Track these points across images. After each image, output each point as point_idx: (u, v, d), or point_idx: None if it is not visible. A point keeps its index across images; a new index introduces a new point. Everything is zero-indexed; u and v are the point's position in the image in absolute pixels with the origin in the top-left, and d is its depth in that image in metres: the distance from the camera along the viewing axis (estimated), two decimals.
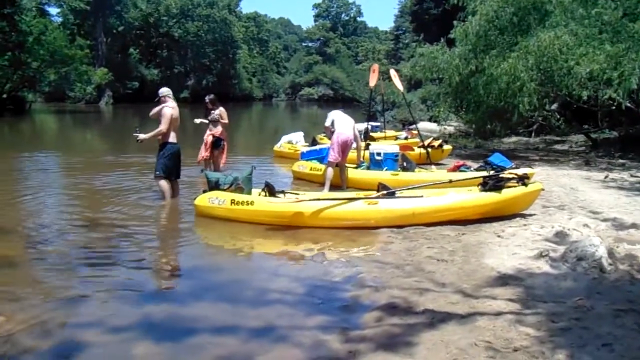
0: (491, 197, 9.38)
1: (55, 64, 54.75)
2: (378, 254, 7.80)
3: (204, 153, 14.45)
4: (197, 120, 14.92)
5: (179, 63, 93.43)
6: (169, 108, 11.38)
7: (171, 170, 11.50)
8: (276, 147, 19.73)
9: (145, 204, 11.28)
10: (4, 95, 54.14)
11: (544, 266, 6.77)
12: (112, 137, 32.96)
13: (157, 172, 11.34)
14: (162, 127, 11.27)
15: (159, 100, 11.67)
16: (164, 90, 11.87)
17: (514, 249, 7.62)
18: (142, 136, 11.47)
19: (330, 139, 13.14)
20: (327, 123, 13.11)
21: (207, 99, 14.86)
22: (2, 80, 53.47)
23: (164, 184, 11.41)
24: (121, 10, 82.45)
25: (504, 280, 6.36)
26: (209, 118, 14.49)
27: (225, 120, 14.53)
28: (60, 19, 77.11)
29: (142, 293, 6.52)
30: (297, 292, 6.39)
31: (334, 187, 12.65)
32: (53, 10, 75.37)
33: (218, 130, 14.42)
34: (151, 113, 11.65)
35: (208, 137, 14.46)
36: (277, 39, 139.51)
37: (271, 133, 25.66)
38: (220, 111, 14.49)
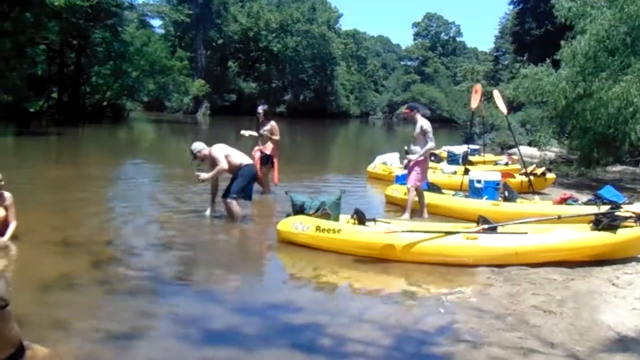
0: (605, 237, 8.29)
1: (154, 74, 55.67)
2: (476, 299, 6.88)
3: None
4: (246, 133, 14.16)
5: (276, 77, 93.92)
6: (216, 149, 10.87)
7: (246, 192, 10.90)
8: (370, 168, 18.94)
9: (228, 226, 10.66)
10: (104, 103, 55.65)
11: None
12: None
13: (234, 195, 10.68)
14: (223, 165, 10.63)
15: (195, 157, 10.98)
16: (199, 147, 10.99)
17: (633, 302, 6.61)
18: (203, 176, 10.78)
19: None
20: (431, 135, 11.59)
21: (260, 109, 14.08)
22: (103, 88, 55.02)
23: (237, 206, 10.76)
24: (221, 23, 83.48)
25: (624, 344, 5.41)
26: (259, 132, 13.77)
27: (277, 137, 13.78)
28: (162, 31, 78.83)
29: (204, 332, 5.82)
30: (381, 344, 5.52)
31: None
32: (156, 23, 76.85)
33: (268, 146, 13.70)
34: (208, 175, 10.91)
35: (255, 153, 13.78)
36: (376, 56, 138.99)
37: (366, 152, 24.77)
38: (271, 126, 13.76)
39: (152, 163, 22.44)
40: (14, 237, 8.72)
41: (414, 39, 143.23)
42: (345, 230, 8.89)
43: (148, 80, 57.35)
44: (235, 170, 10.78)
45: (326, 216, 9.30)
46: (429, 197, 12.41)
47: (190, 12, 74.96)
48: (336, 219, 9.44)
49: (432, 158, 20.25)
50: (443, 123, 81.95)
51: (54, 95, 53.08)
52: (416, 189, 11.72)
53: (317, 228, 9.00)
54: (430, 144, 11.56)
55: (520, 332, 5.74)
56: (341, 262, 8.47)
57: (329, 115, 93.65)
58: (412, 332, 5.88)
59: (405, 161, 12.10)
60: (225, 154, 10.80)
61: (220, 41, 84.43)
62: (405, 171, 13.15)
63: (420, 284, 7.57)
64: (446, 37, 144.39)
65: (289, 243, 9.29)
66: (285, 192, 10.30)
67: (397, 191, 13.36)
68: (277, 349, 5.42)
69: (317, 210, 9.36)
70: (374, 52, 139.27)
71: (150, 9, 67.39)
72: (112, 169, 19.29)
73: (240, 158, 10.93)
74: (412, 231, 8.64)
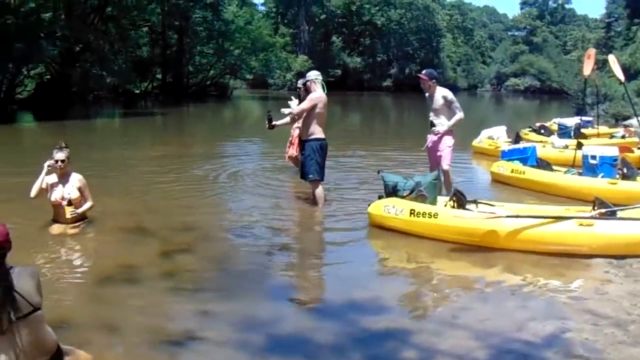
0: None
1: (256, 51, 55.89)
2: (591, 300, 5.81)
3: (291, 151, 12.74)
4: (286, 111, 11.66)
5: (381, 51, 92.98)
6: (310, 98, 9.82)
7: (319, 170, 9.81)
8: (475, 142, 17.88)
9: (313, 209, 9.89)
10: (208, 82, 56.43)
11: None
12: None
13: (311, 176, 9.72)
14: (296, 111, 10.05)
15: (304, 86, 10.20)
16: (311, 75, 10.21)
17: None
18: (277, 123, 10.33)
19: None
20: (458, 105, 10.35)
21: (300, 83, 11.96)
22: (206, 67, 55.80)
23: (320, 189, 9.89)
24: None
25: None
26: None
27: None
28: (264, 9, 79.37)
29: (268, 338, 5.05)
30: (475, 358, 4.62)
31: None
32: (257, 0, 77.29)
33: None
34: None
35: (294, 131, 12.43)
36: (482, 27, 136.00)
37: (474, 126, 23.24)
38: None
39: (253, 142, 21.89)
40: (87, 221, 8.44)
41: (521, 8, 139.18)
42: (442, 215, 8.00)
43: (250, 58, 57.48)
44: (304, 137, 9.90)
45: (422, 198, 8.43)
46: (538, 175, 11.52)
47: None
48: (433, 201, 8.56)
49: (542, 131, 19.13)
50: (553, 94, 79.64)
51: (159, 76, 53.96)
52: (447, 171, 10.30)
53: (412, 212, 8.15)
54: (460, 114, 10.23)
55: None
56: (437, 250, 7.67)
57: None
58: (513, 343, 4.92)
59: (431, 136, 10.62)
60: (319, 110, 9.81)
61: (322, 16, 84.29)
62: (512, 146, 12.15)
63: (525, 278, 6.60)
64: (554, 5, 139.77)
65: (381, 228, 8.49)
66: (377, 172, 9.46)
67: (502, 168, 12.36)
68: None
69: (411, 192, 8.53)
70: (480, 23, 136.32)
71: None
72: (211, 148, 18.98)
73: (317, 127, 9.86)
74: (518, 216, 7.68)
